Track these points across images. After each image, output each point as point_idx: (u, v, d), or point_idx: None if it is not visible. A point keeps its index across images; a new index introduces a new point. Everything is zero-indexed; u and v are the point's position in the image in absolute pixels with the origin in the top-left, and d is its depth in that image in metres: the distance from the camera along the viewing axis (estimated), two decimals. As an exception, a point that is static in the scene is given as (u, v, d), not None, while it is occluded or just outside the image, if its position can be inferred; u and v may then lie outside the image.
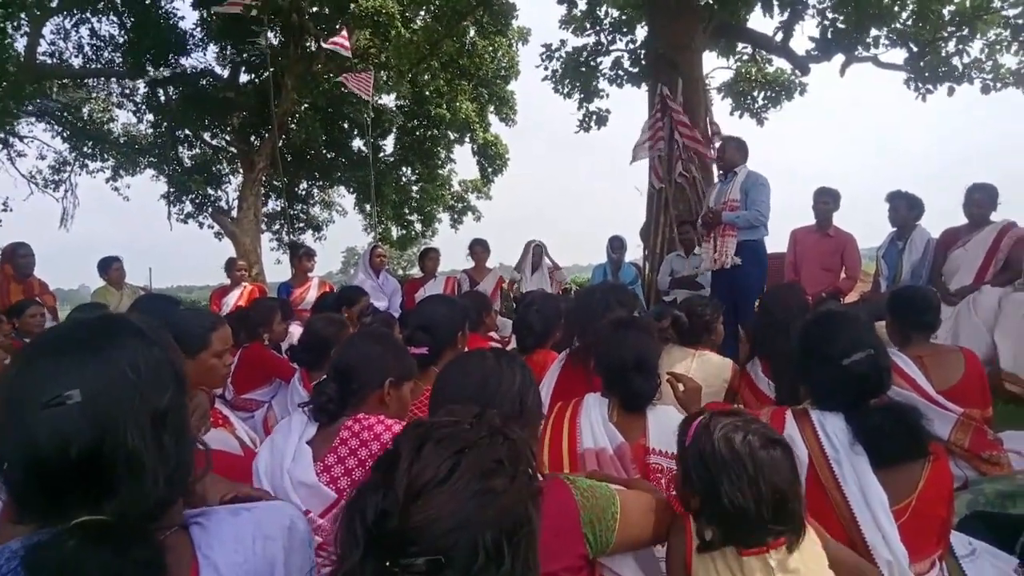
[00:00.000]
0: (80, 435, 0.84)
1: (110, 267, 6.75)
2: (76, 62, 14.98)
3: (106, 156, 16.70)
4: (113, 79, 15.77)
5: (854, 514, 1.81)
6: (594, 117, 11.21)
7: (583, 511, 1.40)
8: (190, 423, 0.99)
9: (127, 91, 16.27)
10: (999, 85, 8.90)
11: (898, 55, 9.50)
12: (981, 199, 5.02)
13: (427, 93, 17.17)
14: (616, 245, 7.47)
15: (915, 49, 9.12)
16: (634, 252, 8.34)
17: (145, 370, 0.91)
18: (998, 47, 8.82)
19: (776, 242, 6.21)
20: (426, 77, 16.83)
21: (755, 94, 11.92)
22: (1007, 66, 8.84)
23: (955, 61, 8.92)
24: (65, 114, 15.50)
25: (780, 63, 11.34)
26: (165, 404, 0.91)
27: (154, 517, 0.90)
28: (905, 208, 5.36)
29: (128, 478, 0.85)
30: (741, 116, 12.19)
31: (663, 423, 2.30)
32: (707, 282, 5.89)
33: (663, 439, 2.27)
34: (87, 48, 14.91)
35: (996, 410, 3.39)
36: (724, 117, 18.02)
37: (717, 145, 6.81)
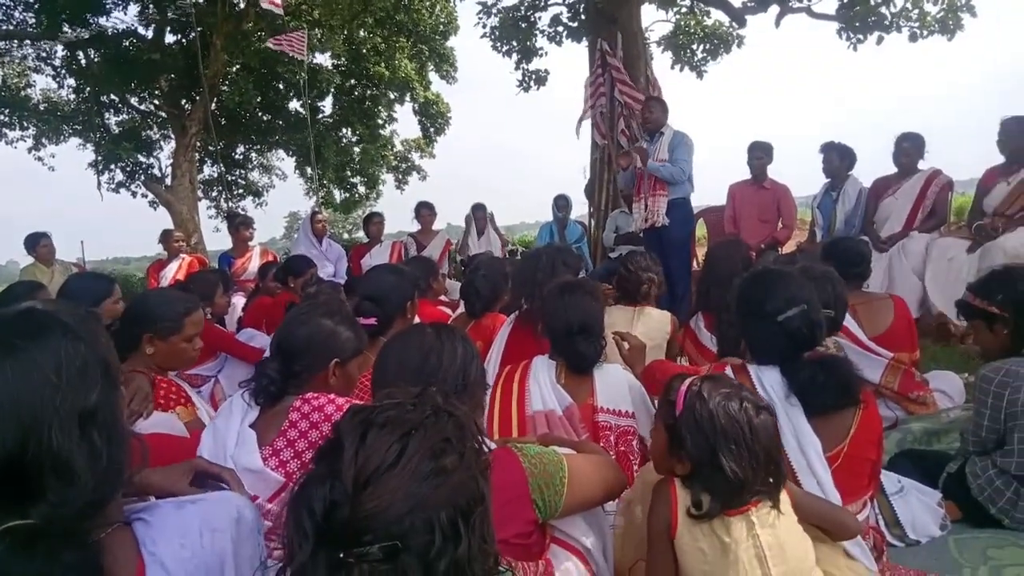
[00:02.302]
0: (2, 440, 0.82)
1: (37, 244, 6.47)
2: (-16, 23, 14.02)
3: (26, 124, 15.74)
4: (27, 41, 14.81)
5: (790, 462, 1.90)
6: (533, 77, 11.10)
7: (531, 478, 1.43)
8: (122, 417, 0.96)
9: (43, 54, 15.28)
10: (925, 33, 9.09)
11: (830, 5, 9.62)
12: (909, 148, 5.18)
13: (364, 51, 16.65)
14: (561, 204, 7.50)
15: (845, -1, 9.24)
16: (580, 209, 8.40)
17: (70, 369, 0.88)
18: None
19: (717, 195, 6.38)
20: (361, 34, 16.32)
21: (694, 47, 11.94)
22: (931, 14, 9.02)
23: (883, 10, 9.07)
24: (-24, 81, 14.56)
25: (718, 15, 11.37)
26: (93, 402, 0.88)
27: (88, 516, 0.88)
28: (837, 159, 5.51)
29: (56, 481, 0.83)
30: (681, 69, 12.22)
31: (610, 382, 2.37)
32: None
33: (610, 397, 2.34)
34: (-5, 8, 13.95)
35: (923, 351, 3.58)
36: (664, 71, 18.08)
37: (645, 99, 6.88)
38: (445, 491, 0.87)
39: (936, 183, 5.05)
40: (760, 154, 5.98)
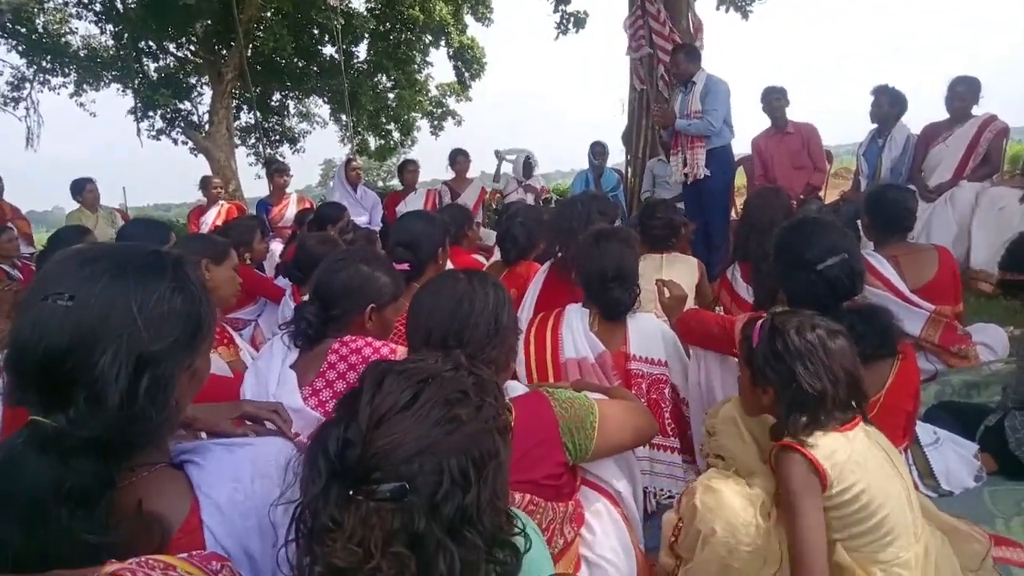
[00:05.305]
0: (54, 336, 0.85)
1: (83, 189, 6.62)
2: (22, -32, 14.05)
3: (67, 70, 15.90)
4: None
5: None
6: (572, 19, 10.78)
7: (561, 421, 1.46)
8: (180, 381, 0.96)
9: (83, 0, 15.38)
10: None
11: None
12: (964, 92, 4.95)
13: (399, -7, 16.38)
14: (598, 151, 7.36)
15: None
16: (617, 157, 8.25)
17: (153, 311, 0.90)
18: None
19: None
20: (396, -25, 16.03)
21: (739, -15, 11.45)
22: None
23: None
24: (17, 26, 14.66)
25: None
26: (157, 351, 0.90)
27: (120, 453, 0.90)
28: (887, 103, 5.26)
29: (83, 401, 0.85)
30: (727, 10, 11.77)
31: (643, 330, 2.38)
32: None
33: (643, 346, 2.35)
34: (31, -48, 13.95)
35: (967, 303, 3.49)
36: (708, 12, 17.44)
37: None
38: (457, 439, 0.88)
39: (990, 129, 4.84)
40: (778, 96, 5.77)
